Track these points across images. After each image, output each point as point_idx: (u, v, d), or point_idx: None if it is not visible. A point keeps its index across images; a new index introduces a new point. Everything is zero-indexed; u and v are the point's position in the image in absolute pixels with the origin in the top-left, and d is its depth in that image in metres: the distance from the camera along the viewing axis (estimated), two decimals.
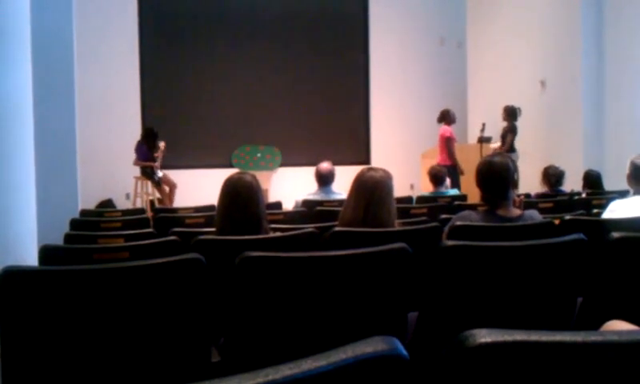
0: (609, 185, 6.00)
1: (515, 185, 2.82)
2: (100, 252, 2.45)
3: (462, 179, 7.57)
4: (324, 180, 4.85)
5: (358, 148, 11.06)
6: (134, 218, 4.64)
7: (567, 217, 2.93)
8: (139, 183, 8.88)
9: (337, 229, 2.53)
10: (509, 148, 7.80)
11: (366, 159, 10.76)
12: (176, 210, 5.29)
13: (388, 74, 11.02)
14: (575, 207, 4.44)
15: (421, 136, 10.07)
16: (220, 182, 2.70)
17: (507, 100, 8.31)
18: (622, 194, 4.33)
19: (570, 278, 1.95)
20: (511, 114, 8.05)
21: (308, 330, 1.76)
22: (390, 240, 1.85)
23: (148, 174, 8.58)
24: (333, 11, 11.03)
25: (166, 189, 8.80)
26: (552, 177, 5.82)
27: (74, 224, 4.01)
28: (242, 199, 2.59)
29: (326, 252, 1.86)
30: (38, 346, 1.55)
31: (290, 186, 9.23)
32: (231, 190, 2.62)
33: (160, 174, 8.64)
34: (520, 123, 8.08)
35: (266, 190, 9.51)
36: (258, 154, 10.50)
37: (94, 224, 4.14)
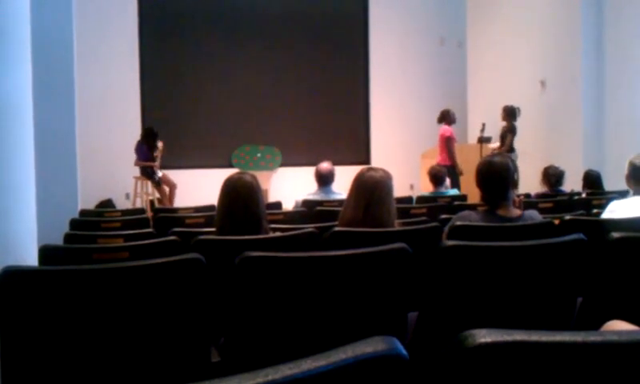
0: (609, 185, 6.00)
1: (515, 185, 2.82)
2: (100, 252, 2.45)
3: (462, 179, 7.57)
4: (324, 180, 4.85)
5: (357, 148, 11.06)
6: (133, 218, 4.64)
7: (567, 217, 2.93)
8: (139, 183, 8.88)
9: (337, 229, 2.53)
10: (509, 148, 7.79)
11: (366, 159, 10.76)
12: (176, 210, 5.29)
13: (388, 74, 11.02)
14: (575, 207, 4.44)
15: (421, 136, 10.07)
16: (220, 182, 2.70)
17: (507, 100, 8.31)
18: (622, 194, 4.33)
19: (569, 278, 1.95)
20: (510, 113, 8.05)
21: (308, 330, 1.76)
22: (390, 240, 1.85)
23: (148, 173, 8.58)
24: (333, 11, 11.03)
25: (166, 189, 8.79)
26: (552, 177, 5.82)
27: (74, 224, 4.01)
28: (241, 199, 2.59)
29: (326, 252, 1.86)
30: (38, 345, 1.55)
31: (289, 186, 9.23)
32: (231, 189, 2.62)
33: (160, 173, 8.64)
34: (520, 123, 8.08)
35: (266, 190, 9.51)
36: (258, 154, 10.50)
37: (94, 224, 4.14)
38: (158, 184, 8.61)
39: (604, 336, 0.76)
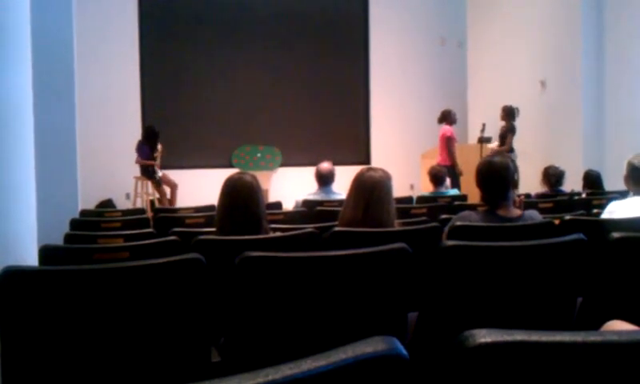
0: (609, 185, 6.00)
1: (515, 185, 2.82)
2: (100, 252, 2.45)
3: (462, 179, 7.57)
4: (324, 180, 4.85)
5: (358, 148, 11.06)
6: (134, 218, 4.64)
7: (567, 217, 2.93)
8: (139, 183, 8.88)
9: (337, 229, 2.53)
10: (509, 148, 7.79)
11: (366, 159, 10.76)
12: (176, 210, 5.29)
13: (388, 74, 11.03)
14: (575, 207, 4.44)
15: (421, 136, 10.08)
16: (220, 182, 2.70)
17: (507, 100, 8.31)
18: (623, 194, 4.33)
19: (569, 278, 1.95)
20: (509, 113, 8.05)
21: (308, 330, 1.76)
22: (390, 240, 1.85)
23: (149, 173, 8.57)
24: (333, 11, 11.03)
25: (166, 189, 8.79)
26: (552, 177, 5.82)
27: (74, 224, 4.01)
28: (241, 199, 2.59)
29: (326, 252, 1.86)
30: (38, 346, 1.55)
31: (290, 186, 9.23)
32: (231, 189, 2.62)
33: (160, 173, 8.64)
34: (520, 123, 8.08)
35: (266, 190, 9.51)
36: (258, 154, 10.50)
37: (94, 224, 4.14)
38: (158, 184, 8.61)
39: (604, 336, 0.76)
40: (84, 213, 5.30)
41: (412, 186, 9.68)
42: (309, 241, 2.52)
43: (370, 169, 2.74)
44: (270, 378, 0.60)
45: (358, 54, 11.19)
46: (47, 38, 5.52)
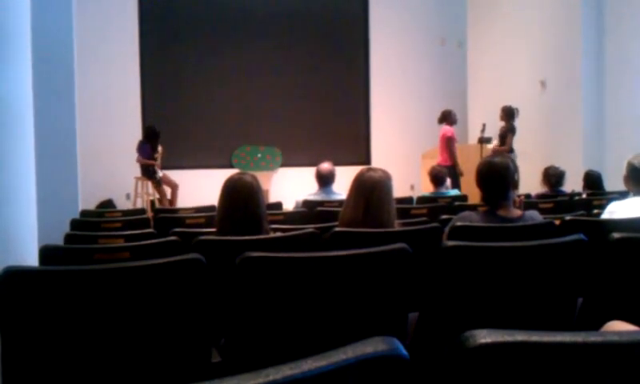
0: (609, 185, 6.00)
1: (515, 185, 2.81)
2: (100, 252, 2.45)
3: (463, 180, 7.57)
4: (324, 180, 4.85)
5: (358, 148, 11.07)
6: (134, 218, 4.64)
7: (567, 217, 2.93)
8: (139, 183, 8.88)
9: (337, 229, 2.53)
10: (509, 148, 7.79)
11: (366, 159, 10.76)
12: (176, 211, 5.29)
13: (388, 74, 11.03)
14: (575, 208, 4.44)
15: (421, 136, 10.08)
16: (220, 183, 2.70)
17: (507, 100, 8.31)
18: (623, 195, 4.32)
19: (570, 278, 1.95)
20: (509, 114, 8.04)
21: (308, 330, 1.76)
22: (391, 240, 1.85)
23: (149, 173, 8.57)
24: (333, 11, 11.03)
25: (167, 190, 8.79)
26: (552, 177, 5.82)
27: (75, 224, 4.01)
28: (242, 199, 2.59)
29: (327, 252, 1.86)
30: (38, 346, 1.55)
31: (290, 187, 9.23)
32: (231, 190, 2.62)
33: (160, 173, 8.64)
34: (520, 123, 8.08)
35: (267, 191, 9.52)
36: (259, 155, 10.51)
37: (95, 224, 4.14)
38: (158, 184, 8.61)
39: (604, 336, 0.76)
40: (84, 213, 5.30)
41: (412, 187, 9.68)
42: (309, 241, 2.52)
43: (370, 169, 2.74)
44: (271, 378, 0.60)
45: (357, 54, 11.19)
46: (47, 38, 5.52)
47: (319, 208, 4.29)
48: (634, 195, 3.37)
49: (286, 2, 10.77)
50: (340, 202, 3.95)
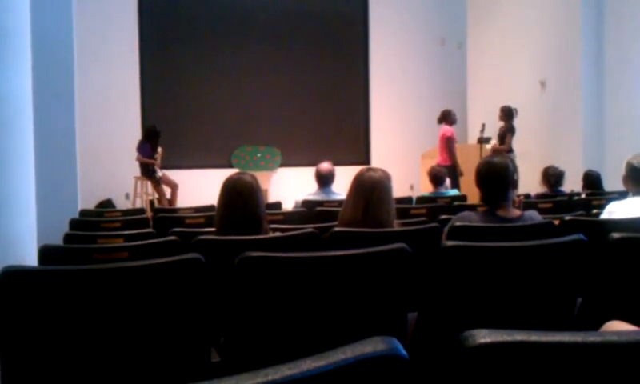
0: (608, 185, 6.00)
1: (515, 185, 2.82)
2: (100, 252, 2.45)
3: (462, 180, 7.57)
4: (324, 180, 4.85)
5: (357, 148, 11.07)
6: (133, 218, 4.64)
7: (567, 217, 2.93)
8: (139, 183, 8.88)
9: (336, 229, 2.53)
10: (508, 148, 7.79)
11: (365, 159, 10.77)
12: (176, 210, 5.29)
13: (388, 74, 11.03)
14: (575, 208, 4.44)
15: (421, 136, 10.08)
16: (220, 182, 2.70)
17: (507, 100, 8.31)
18: (622, 195, 4.33)
19: (569, 278, 1.95)
20: (508, 114, 8.04)
21: (308, 330, 1.76)
22: (390, 240, 1.85)
23: (149, 172, 8.57)
24: (333, 12, 11.03)
25: (166, 189, 8.78)
26: (552, 177, 5.82)
27: (74, 224, 4.01)
28: (241, 199, 2.59)
29: (326, 252, 1.86)
30: (38, 345, 1.55)
31: (289, 187, 9.23)
32: (231, 190, 2.62)
33: (160, 173, 8.64)
34: (520, 123, 8.08)
35: (266, 191, 9.51)
36: (258, 154, 10.51)
37: (94, 224, 4.14)
38: (157, 183, 8.61)
39: (604, 336, 0.76)
40: (84, 213, 5.30)
41: (412, 187, 9.68)
42: (309, 241, 2.52)
43: (370, 169, 2.74)
44: (270, 378, 0.60)
45: (357, 54, 11.19)
46: (47, 38, 5.53)
47: (319, 208, 4.29)
48: (634, 195, 3.37)
49: (285, 2, 10.77)
50: (339, 202, 3.95)
